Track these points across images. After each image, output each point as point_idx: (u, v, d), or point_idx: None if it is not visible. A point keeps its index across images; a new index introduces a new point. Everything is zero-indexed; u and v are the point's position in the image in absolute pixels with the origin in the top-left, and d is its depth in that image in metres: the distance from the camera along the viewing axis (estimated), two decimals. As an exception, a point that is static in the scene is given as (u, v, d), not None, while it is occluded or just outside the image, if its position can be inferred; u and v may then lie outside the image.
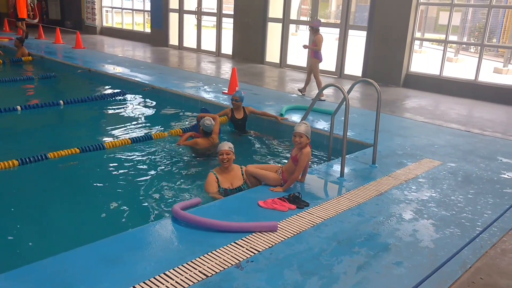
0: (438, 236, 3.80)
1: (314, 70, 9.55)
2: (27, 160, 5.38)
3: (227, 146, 4.67)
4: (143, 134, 6.73)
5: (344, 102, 5.01)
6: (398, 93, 10.38)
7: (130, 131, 7.14)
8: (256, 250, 3.40)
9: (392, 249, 3.55)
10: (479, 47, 10.61)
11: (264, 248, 3.43)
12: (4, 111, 7.61)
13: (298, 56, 13.56)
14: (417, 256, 3.47)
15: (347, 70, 12.16)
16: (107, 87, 10.20)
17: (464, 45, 17.48)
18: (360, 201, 4.37)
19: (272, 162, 6.02)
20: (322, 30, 9.64)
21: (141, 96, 9.41)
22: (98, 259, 3.16)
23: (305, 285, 3.02)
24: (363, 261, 3.35)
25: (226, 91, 9.29)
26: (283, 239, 3.58)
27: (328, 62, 12.80)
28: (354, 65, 12.17)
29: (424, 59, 15.35)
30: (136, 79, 10.27)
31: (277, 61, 13.62)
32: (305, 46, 9.77)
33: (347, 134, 5.09)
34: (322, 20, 10.44)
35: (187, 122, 7.81)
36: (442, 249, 3.57)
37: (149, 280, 2.95)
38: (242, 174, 4.77)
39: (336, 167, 5.22)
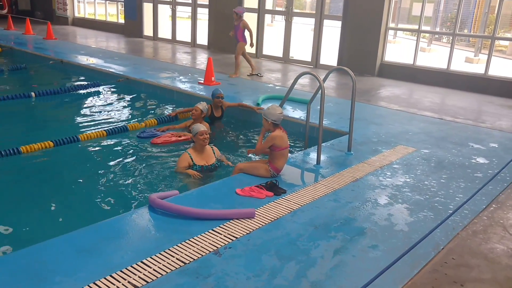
0: (412, 219, 3.88)
1: (239, 51, 10.23)
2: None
3: (203, 127, 5.08)
4: (118, 125, 6.64)
5: (320, 91, 5.05)
6: (373, 82, 10.51)
7: (105, 123, 7.03)
8: (233, 236, 3.41)
9: (368, 233, 3.61)
10: (451, 37, 10.80)
11: (241, 235, 3.44)
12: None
13: (274, 46, 13.57)
14: (392, 239, 3.54)
15: (323, 60, 12.22)
16: (80, 78, 10.01)
17: (437, 35, 17.77)
18: (336, 187, 4.43)
19: (243, 155, 6.04)
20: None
21: (115, 87, 9.27)
22: (73, 250, 3.12)
23: (282, 269, 3.05)
24: (340, 245, 3.40)
25: (202, 81, 9.23)
26: (260, 226, 3.60)
27: (304, 52, 12.89)
28: (330, 55, 12.25)
29: (398, 49, 15.57)
30: (110, 70, 10.11)
31: (253, 51, 13.57)
32: (232, 34, 10.41)
33: (323, 123, 5.13)
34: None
35: (162, 112, 7.74)
36: (416, 232, 3.66)
37: (126, 268, 2.94)
38: (214, 153, 5.22)
39: (313, 155, 5.26)
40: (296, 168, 4.99)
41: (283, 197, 4.15)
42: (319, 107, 5.03)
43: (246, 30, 10.07)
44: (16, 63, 10.96)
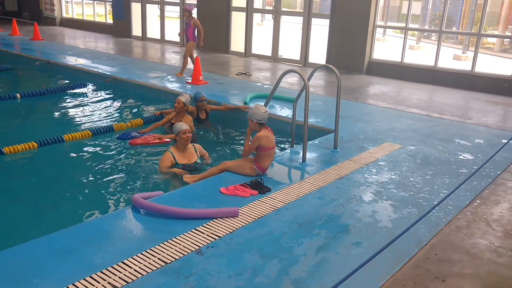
0: (396, 216, 3.89)
1: (187, 51, 9.95)
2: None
3: (185, 125, 5.07)
4: (104, 125, 6.59)
5: (305, 89, 5.04)
6: (361, 80, 10.53)
7: (90, 123, 6.98)
8: (216, 235, 3.39)
9: (352, 230, 3.61)
10: (438, 34, 10.85)
11: (224, 234, 3.43)
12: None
13: (262, 45, 13.56)
14: (376, 235, 3.54)
15: (312, 59, 12.22)
16: (67, 79, 9.92)
17: (426, 33, 17.86)
18: (321, 185, 4.43)
19: (230, 152, 6.02)
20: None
21: (102, 87, 9.20)
22: (53, 251, 3.09)
23: (264, 268, 3.04)
24: (323, 243, 3.39)
25: (190, 81, 9.20)
26: (244, 224, 3.59)
27: (292, 51, 12.89)
28: (319, 54, 12.26)
29: (387, 47, 15.61)
30: (98, 70, 10.04)
31: (242, 50, 13.57)
32: (180, 34, 10.54)
33: (309, 121, 5.14)
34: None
35: (148, 113, 7.69)
36: (400, 228, 3.66)
37: (106, 269, 2.91)
38: (196, 151, 5.20)
39: (299, 153, 5.26)
40: (282, 166, 4.98)
41: (268, 196, 4.13)
42: (304, 104, 5.01)
43: (196, 29, 9.79)
44: (2, 64, 10.85)
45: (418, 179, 4.72)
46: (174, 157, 4.98)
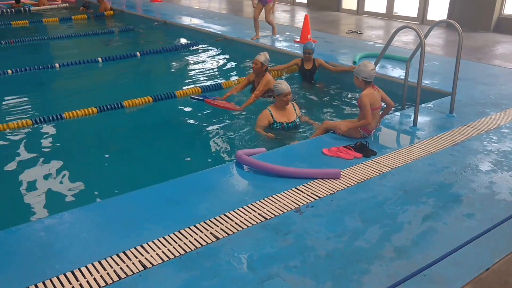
0: (518, 189, 3.50)
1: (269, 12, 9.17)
2: (105, 107, 5.69)
3: (287, 87, 4.84)
4: (213, 83, 6.79)
5: (420, 47, 4.65)
6: (487, 39, 9.49)
7: (201, 81, 7.25)
8: (317, 196, 3.35)
9: (464, 201, 3.32)
10: None
11: (325, 195, 3.37)
12: (87, 63, 8.05)
13: (376, 1, 12.79)
14: (492, 208, 3.22)
15: (431, 15, 11.27)
16: (181, 38, 10.37)
17: None
18: (433, 151, 4.12)
19: (339, 117, 5.85)
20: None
21: (213, 46, 9.46)
22: (162, 200, 3.30)
23: (365, 232, 2.94)
24: (430, 212, 3.17)
25: (298, 40, 9.05)
26: (346, 187, 3.49)
27: (409, 7, 11.98)
28: (439, 9, 11.23)
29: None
30: (210, 30, 10.31)
31: (354, 7, 12.96)
32: None
33: (424, 82, 4.76)
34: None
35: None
36: (522, 203, 3.29)
37: (209, 220, 3.03)
38: (295, 109, 5.07)
39: (410, 117, 4.93)
40: (390, 130, 4.73)
41: (373, 159, 3.96)
42: (419, 63, 4.64)
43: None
44: (125, 25, 11.66)
45: (548, 150, 4.17)
46: (272, 115, 4.91)
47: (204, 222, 3.01)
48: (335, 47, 8.62)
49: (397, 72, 6.79)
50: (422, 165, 3.88)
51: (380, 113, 4.49)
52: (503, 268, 2.63)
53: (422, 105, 5.33)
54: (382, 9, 12.29)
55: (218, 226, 2.97)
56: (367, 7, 12.76)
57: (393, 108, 4.65)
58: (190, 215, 3.11)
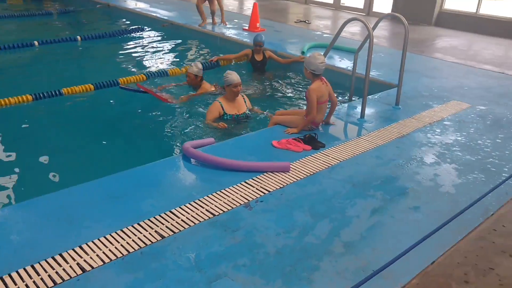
0: (460, 181, 3.59)
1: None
2: (41, 95, 5.31)
3: (237, 78, 4.75)
4: (157, 70, 6.54)
5: (368, 39, 4.67)
6: (429, 32, 9.81)
7: (145, 68, 6.97)
8: (266, 190, 3.28)
9: (410, 194, 3.37)
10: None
11: (274, 189, 3.30)
12: (22, 46, 7.51)
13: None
14: (437, 201, 3.29)
15: (376, 7, 11.50)
16: (125, 22, 9.94)
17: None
18: (380, 143, 4.17)
19: (289, 105, 5.81)
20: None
21: (159, 32, 9.14)
22: (104, 195, 3.10)
23: (315, 227, 2.90)
24: (378, 205, 3.19)
25: (247, 28, 8.92)
26: (295, 180, 3.44)
27: (356, -2, 12.17)
28: (384, 2, 11.47)
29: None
30: (156, 14, 9.95)
31: (303, -2, 12.98)
32: None
33: (371, 74, 4.80)
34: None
35: (202, 59, 7.56)
36: (464, 195, 3.38)
37: (154, 217, 2.88)
38: (245, 101, 4.98)
39: (357, 108, 4.97)
40: (338, 121, 4.73)
41: (322, 152, 3.94)
42: (367, 56, 4.66)
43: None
44: (65, 6, 11.02)
45: (487, 143, 4.33)
46: (222, 107, 4.79)
47: (149, 220, 2.86)
48: (284, 36, 8.57)
49: (344, 63, 6.85)
50: (370, 157, 3.91)
51: (328, 107, 4.47)
52: (448, 261, 2.68)
53: (369, 96, 5.38)
54: (330, 0, 12.39)
55: (163, 224, 2.83)
56: (315, -3, 12.83)
57: (337, 104, 4.64)
58: (133, 212, 2.94)
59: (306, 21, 10.18)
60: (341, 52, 7.41)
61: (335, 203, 3.18)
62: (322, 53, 4.43)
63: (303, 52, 7.21)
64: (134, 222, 2.83)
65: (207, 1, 8.93)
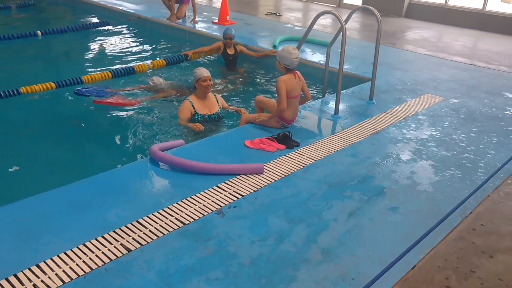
0: (437, 178, 3.52)
1: None
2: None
3: (206, 72, 4.56)
4: (124, 67, 6.26)
5: (341, 32, 4.55)
6: (399, 24, 9.80)
7: (111, 64, 6.67)
8: (239, 194, 3.12)
9: (388, 193, 3.28)
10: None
11: (248, 192, 3.15)
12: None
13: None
14: (414, 201, 3.20)
15: (347, -1, 11.44)
16: (89, 16, 9.55)
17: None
18: (355, 141, 4.06)
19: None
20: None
21: (125, 26, 8.81)
22: (66, 205, 2.88)
23: (291, 233, 2.77)
24: (356, 207, 3.08)
25: (217, 21, 8.70)
26: (269, 182, 3.30)
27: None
28: (354, -7, 11.43)
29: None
30: (122, 8, 9.59)
31: (273, -11, 12.79)
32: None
33: (344, 68, 4.68)
34: None
35: (170, 53, 7.30)
36: (442, 193, 3.31)
37: (120, 229, 2.69)
38: (217, 101, 4.76)
39: (331, 104, 4.87)
40: (312, 118, 4.62)
41: (296, 151, 3.81)
42: (340, 50, 4.55)
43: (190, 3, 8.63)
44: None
45: (462, 137, 4.29)
46: (193, 106, 4.57)
47: (114, 232, 2.67)
48: (255, 29, 8.40)
49: (317, 57, 6.73)
50: (345, 155, 3.80)
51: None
52: (428, 265, 2.59)
53: (343, 91, 5.29)
54: (300, -9, 12.26)
55: (130, 236, 2.64)
56: (286, -11, 12.65)
57: (310, 100, 4.50)
58: (97, 223, 2.74)
59: (277, 14, 10.02)
60: (313, 46, 7.28)
61: (311, 206, 3.06)
62: (295, 46, 4.28)
63: (274, 46, 7.06)
64: (98, 234, 2.63)
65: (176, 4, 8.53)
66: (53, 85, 5.37)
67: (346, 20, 4.92)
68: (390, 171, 3.60)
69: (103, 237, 2.62)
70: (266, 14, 9.99)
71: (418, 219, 2.99)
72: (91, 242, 2.56)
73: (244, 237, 2.70)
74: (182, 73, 6.26)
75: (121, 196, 3.04)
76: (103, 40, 8.07)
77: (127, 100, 5.22)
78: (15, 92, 5.10)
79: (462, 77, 6.18)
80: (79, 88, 5.40)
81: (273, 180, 3.33)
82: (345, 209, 3.06)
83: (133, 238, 2.62)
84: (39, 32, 7.76)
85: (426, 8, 10.34)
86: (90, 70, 6.19)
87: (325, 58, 5.29)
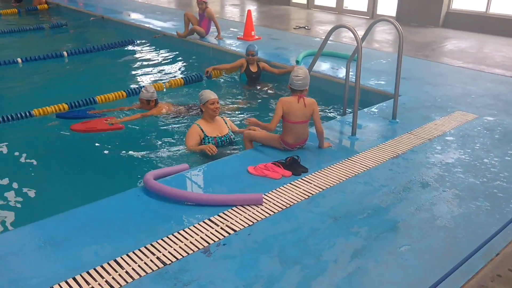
0: (460, 211, 3.10)
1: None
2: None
3: (213, 94, 4.33)
4: (138, 86, 6.14)
5: (357, 49, 4.20)
6: (435, 34, 9.26)
7: (129, 83, 6.58)
8: (232, 229, 2.84)
9: (401, 229, 2.90)
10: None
11: (242, 227, 2.86)
12: (4, 64, 7.21)
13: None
14: (430, 238, 2.81)
15: (380, 10, 10.97)
16: (117, 35, 9.61)
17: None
18: (370, 166, 3.69)
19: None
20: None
21: (150, 44, 8.78)
22: (40, 242, 2.69)
23: (282, 277, 2.45)
24: (361, 245, 2.72)
25: (241, 36, 8.51)
26: (267, 215, 3.00)
27: (359, 1, 11.64)
28: (388, 4, 10.94)
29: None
30: (149, 25, 9.60)
31: (305, 1, 12.52)
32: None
33: (369, 83, 4.33)
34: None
35: (192, 71, 7.14)
36: (464, 230, 2.89)
37: (94, 269, 2.46)
38: (225, 123, 4.53)
39: (350, 123, 4.50)
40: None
41: (303, 178, 3.49)
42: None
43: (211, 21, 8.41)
44: (60, 20, 10.76)
45: (494, 161, 3.82)
46: (202, 130, 4.29)
47: (87, 273, 2.45)
48: (281, 44, 8.13)
49: (342, 72, 6.37)
50: (358, 183, 3.44)
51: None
52: (440, 321, 2.20)
53: (365, 109, 4.94)
54: (333, 3, 11.92)
55: (103, 278, 2.41)
56: (318, 1, 12.35)
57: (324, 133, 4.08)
58: (73, 262, 2.54)
59: (306, 27, 9.73)
60: (338, 60, 6.93)
61: (310, 244, 2.73)
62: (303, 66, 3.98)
63: (297, 62, 6.76)
64: (70, 275, 2.43)
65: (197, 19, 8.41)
66: (66, 106, 5.30)
67: (365, 35, 4.58)
68: (407, 202, 3.20)
69: (74, 279, 2.40)
70: (294, 28, 9.73)
71: (433, 261, 2.59)
72: (59, 285, 2.35)
73: (229, 281, 2.41)
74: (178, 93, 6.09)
75: (101, 231, 2.82)
76: (125, 59, 8.05)
77: (107, 124, 4.87)
78: (28, 114, 5.05)
79: (500, 92, 5.65)
80: (59, 114, 5.21)
81: (272, 213, 3.03)
82: (349, 248, 2.70)
83: (106, 281, 2.39)
84: (65, 53, 7.83)
85: (465, 17, 9.74)
86: (105, 90, 6.07)
87: (354, 74, 4.92)
